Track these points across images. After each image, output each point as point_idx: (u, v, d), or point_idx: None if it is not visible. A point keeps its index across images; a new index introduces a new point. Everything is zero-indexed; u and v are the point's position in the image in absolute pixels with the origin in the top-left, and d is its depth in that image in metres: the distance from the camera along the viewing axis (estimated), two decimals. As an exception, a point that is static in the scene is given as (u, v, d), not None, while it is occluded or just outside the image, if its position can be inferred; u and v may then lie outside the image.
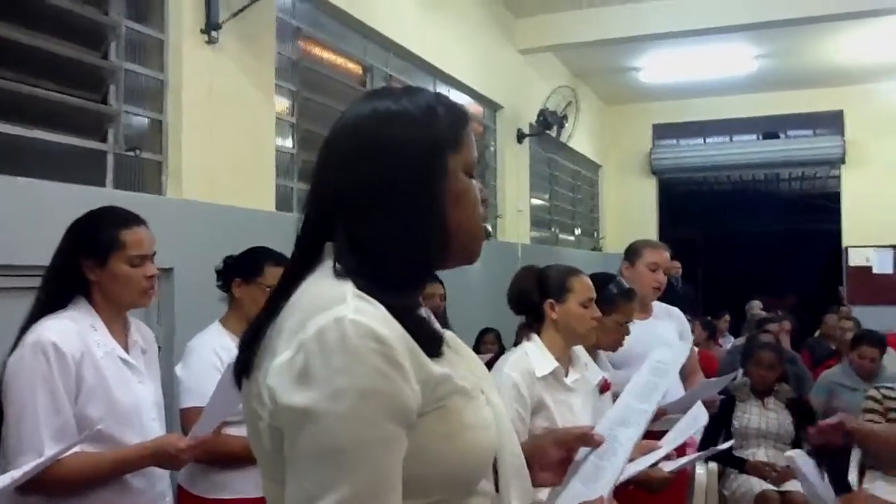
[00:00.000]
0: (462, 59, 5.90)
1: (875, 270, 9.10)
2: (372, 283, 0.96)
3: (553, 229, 8.35)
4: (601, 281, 2.61)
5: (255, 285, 2.41)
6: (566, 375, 2.28)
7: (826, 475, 2.13)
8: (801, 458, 2.29)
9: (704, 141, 10.05)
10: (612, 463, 1.36)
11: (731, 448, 4.04)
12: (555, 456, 1.33)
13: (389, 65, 5.16)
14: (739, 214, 11.57)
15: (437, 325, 1.04)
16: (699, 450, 3.80)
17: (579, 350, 2.42)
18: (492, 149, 6.74)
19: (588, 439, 1.34)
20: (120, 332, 1.99)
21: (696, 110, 9.68)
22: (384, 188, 1.00)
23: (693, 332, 4.67)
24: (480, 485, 1.03)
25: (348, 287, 0.95)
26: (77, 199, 2.28)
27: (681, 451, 2.74)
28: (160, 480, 2.02)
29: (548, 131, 7.18)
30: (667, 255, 3.41)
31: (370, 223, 0.99)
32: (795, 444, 4.37)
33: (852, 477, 2.74)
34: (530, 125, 7.16)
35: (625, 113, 10.08)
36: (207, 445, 2.02)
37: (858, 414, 4.37)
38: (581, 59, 8.04)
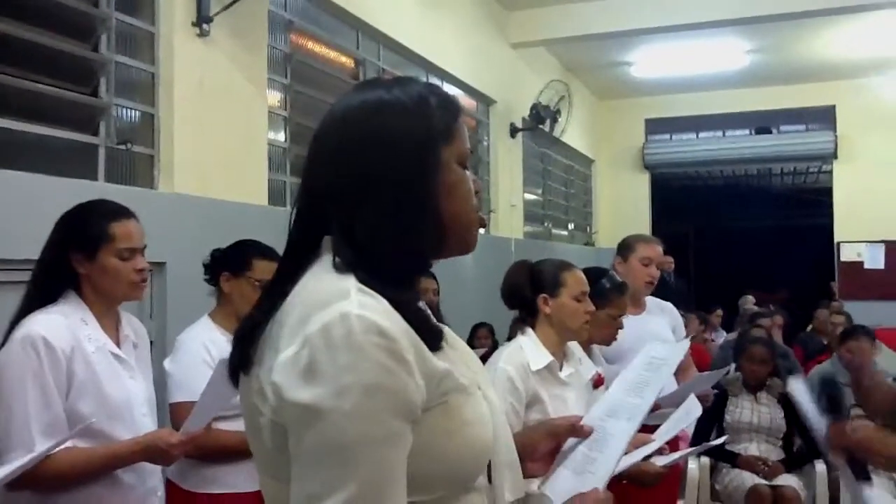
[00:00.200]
0: (454, 53, 5.89)
1: (867, 265, 9.12)
2: (372, 276, 0.95)
3: (546, 224, 8.35)
4: (594, 275, 2.61)
5: (244, 279, 2.40)
6: (560, 370, 2.28)
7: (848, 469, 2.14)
8: (797, 386, 2.30)
9: (697, 136, 10.06)
10: (606, 455, 1.37)
11: (723, 443, 4.05)
12: (545, 446, 1.36)
13: (382, 59, 5.14)
14: (732, 209, 11.60)
15: (434, 320, 1.03)
16: (692, 444, 3.82)
17: (573, 345, 2.42)
18: (485, 143, 6.73)
19: (577, 430, 1.36)
20: (111, 326, 1.98)
21: (689, 105, 9.69)
22: (377, 180, 0.98)
23: (688, 326, 4.68)
24: (477, 480, 1.03)
25: (351, 281, 0.94)
26: (68, 193, 2.26)
27: (673, 445, 2.75)
28: (151, 475, 2.01)
29: (541, 126, 7.18)
30: (659, 249, 3.42)
31: (363, 216, 0.98)
32: (787, 438, 4.39)
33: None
34: (523, 120, 7.15)
35: (617, 108, 10.09)
36: (199, 440, 2.01)
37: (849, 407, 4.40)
38: (573, 54, 8.03)
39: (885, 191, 8.92)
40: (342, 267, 0.96)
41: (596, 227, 10.12)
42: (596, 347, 2.84)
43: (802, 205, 10.92)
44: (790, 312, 7.26)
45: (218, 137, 3.41)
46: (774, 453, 4.36)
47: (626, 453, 1.63)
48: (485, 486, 1.05)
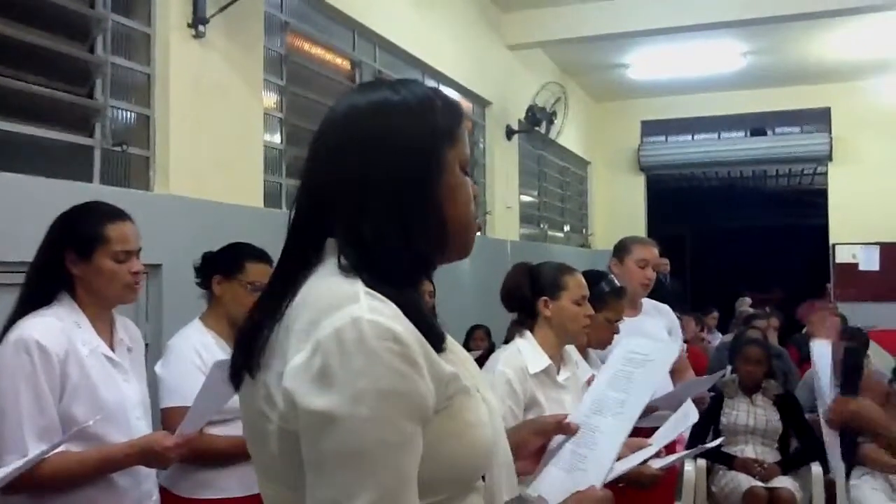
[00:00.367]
0: (450, 55, 5.89)
1: (861, 267, 9.15)
2: (378, 278, 0.94)
3: (542, 226, 8.35)
4: (592, 278, 2.61)
5: (236, 282, 2.36)
6: (558, 373, 2.28)
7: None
8: (820, 349, 2.29)
9: (692, 138, 10.07)
10: (598, 452, 1.38)
11: (719, 445, 4.06)
12: (533, 445, 1.37)
13: (378, 60, 5.14)
14: (727, 211, 11.63)
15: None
16: (688, 447, 3.82)
17: (570, 348, 2.42)
18: (481, 145, 6.73)
19: (564, 427, 1.39)
20: (105, 329, 1.97)
21: (685, 107, 9.71)
22: (383, 181, 0.98)
23: (684, 328, 4.69)
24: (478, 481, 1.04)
25: (358, 285, 0.93)
26: (64, 195, 2.25)
27: (670, 448, 2.75)
28: (146, 479, 2.00)
29: (537, 128, 7.18)
30: (656, 251, 3.42)
31: (369, 217, 0.97)
32: (783, 440, 4.40)
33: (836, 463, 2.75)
34: (519, 121, 7.15)
35: (613, 109, 10.09)
36: (193, 444, 2.00)
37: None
38: (569, 56, 8.03)
39: (880, 192, 8.94)
40: (348, 269, 0.96)
41: (592, 229, 10.12)
42: (592, 351, 2.84)
43: (797, 206, 10.94)
44: (785, 314, 7.27)
45: (214, 139, 3.40)
46: (770, 455, 4.36)
47: (621, 457, 1.64)
48: (482, 486, 1.05)
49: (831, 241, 9.40)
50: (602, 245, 9.34)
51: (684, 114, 9.82)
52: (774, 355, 5.09)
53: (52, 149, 2.86)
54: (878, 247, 9.09)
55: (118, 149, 3.05)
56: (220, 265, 2.39)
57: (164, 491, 2.27)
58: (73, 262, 1.89)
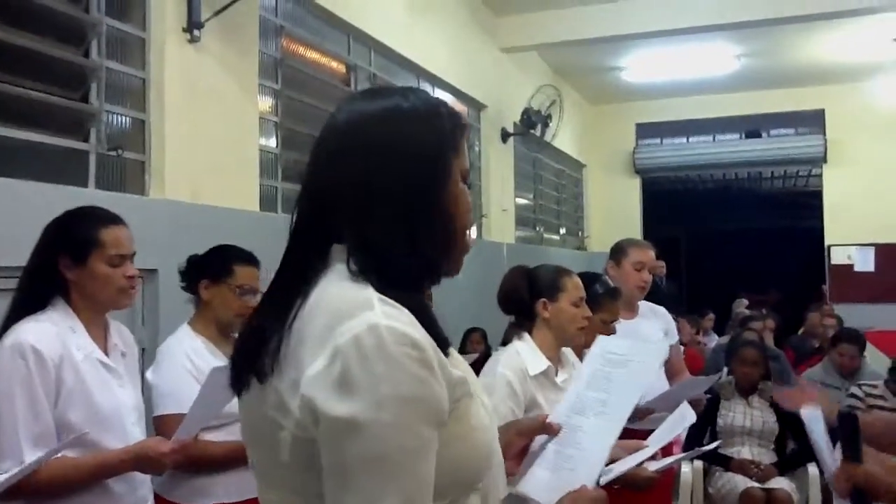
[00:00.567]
0: (445, 58, 5.89)
1: (857, 268, 9.17)
2: (389, 284, 0.95)
3: (538, 229, 8.36)
4: (587, 280, 2.62)
5: (225, 286, 2.31)
6: (556, 375, 2.28)
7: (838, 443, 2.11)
8: (812, 416, 2.28)
9: (687, 140, 10.10)
10: (585, 452, 1.40)
11: (716, 447, 4.06)
12: (517, 445, 1.39)
13: (373, 64, 5.14)
14: (723, 213, 11.65)
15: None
16: (685, 448, 3.82)
17: (567, 350, 2.43)
18: (476, 148, 6.73)
19: (547, 427, 1.41)
20: (99, 334, 1.96)
21: (679, 109, 9.73)
22: (394, 187, 0.98)
23: (680, 330, 4.69)
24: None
25: (370, 291, 0.94)
26: (59, 200, 2.25)
27: (667, 450, 2.75)
28: (141, 485, 1.99)
29: (532, 131, 7.19)
30: (652, 254, 3.43)
31: (380, 223, 0.97)
32: (779, 441, 4.40)
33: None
34: (514, 124, 7.16)
35: (608, 112, 10.12)
36: (189, 450, 1.99)
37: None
38: (564, 59, 8.05)
39: (875, 194, 8.98)
40: (358, 275, 0.96)
41: (587, 232, 10.14)
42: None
43: (793, 208, 10.96)
44: (781, 315, 7.28)
45: (209, 143, 3.40)
46: (767, 456, 4.37)
47: (615, 460, 1.65)
48: (480, 487, 1.06)
49: (826, 242, 9.43)
50: (598, 247, 9.35)
51: (679, 116, 9.85)
52: (771, 357, 5.10)
53: (47, 153, 2.86)
54: (873, 248, 9.12)
55: (113, 153, 3.05)
56: (207, 269, 2.34)
57: (158, 498, 2.25)
58: (67, 266, 1.89)
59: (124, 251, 1.94)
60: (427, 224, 0.99)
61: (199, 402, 1.96)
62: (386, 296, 0.93)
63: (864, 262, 9.13)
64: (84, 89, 3.02)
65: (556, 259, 7.57)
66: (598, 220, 10.19)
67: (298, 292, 0.97)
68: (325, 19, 4.55)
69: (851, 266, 9.20)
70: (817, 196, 9.67)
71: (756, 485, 4.19)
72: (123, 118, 3.18)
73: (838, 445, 2.09)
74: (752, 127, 9.75)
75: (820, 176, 9.64)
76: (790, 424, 4.43)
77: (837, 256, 9.29)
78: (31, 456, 1.72)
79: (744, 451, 4.37)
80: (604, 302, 2.76)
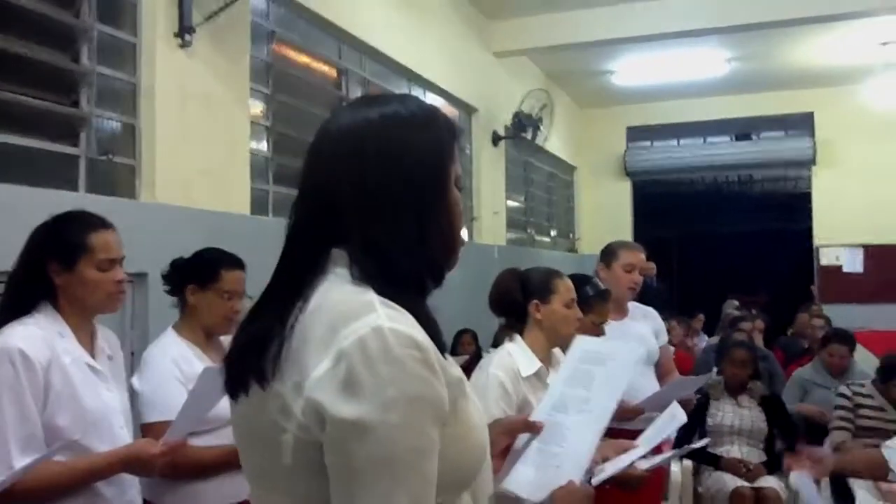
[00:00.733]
0: (437, 62, 5.91)
1: (845, 269, 9.22)
2: (392, 288, 0.96)
3: (529, 231, 8.38)
4: (578, 282, 2.63)
5: (212, 291, 2.28)
6: (547, 376, 2.30)
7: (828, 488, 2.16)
8: (800, 480, 2.32)
9: (678, 143, 10.13)
10: (570, 448, 1.43)
11: (705, 446, 4.08)
12: (501, 444, 1.40)
13: (364, 68, 5.15)
14: (713, 215, 11.66)
15: None
16: (674, 448, 3.84)
17: (557, 352, 2.44)
18: (467, 152, 6.75)
19: (530, 426, 1.43)
20: (87, 338, 1.95)
21: (670, 113, 9.77)
22: (398, 192, 0.99)
23: (671, 331, 4.71)
24: None
25: (371, 294, 0.94)
26: (49, 204, 2.24)
27: (657, 448, 2.77)
28: (130, 487, 1.98)
29: (523, 134, 7.21)
30: (642, 256, 3.45)
31: (384, 228, 0.98)
32: (768, 440, 4.43)
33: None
34: (505, 128, 7.18)
35: (599, 116, 10.15)
36: (179, 452, 1.98)
37: (830, 410, 4.45)
38: (555, 63, 8.08)
39: (863, 196, 9.03)
40: (361, 279, 0.97)
41: (578, 234, 10.17)
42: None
43: (782, 210, 10.99)
44: (771, 316, 7.31)
45: (200, 147, 3.40)
46: (756, 456, 4.39)
47: (606, 459, 1.67)
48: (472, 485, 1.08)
49: (815, 243, 9.48)
50: (589, 249, 9.37)
51: (669, 119, 9.88)
52: (760, 357, 5.13)
53: (37, 158, 2.86)
54: (861, 249, 9.18)
55: (104, 158, 3.05)
56: (193, 274, 2.31)
57: (148, 504, 2.25)
58: (55, 271, 1.88)
59: (113, 255, 1.93)
60: (433, 228, 1.01)
61: (189, 404, 1.96)
62: (389, 299, 0.94)
63: (853, 264, 9.19)
64: (75, 94, 3.02)
65: (547, 261, 7.58)
66: (589, 223, 10.22)
67: (298, 295, 0.98)
68: (317, 24, 4.56)
69: (840, 267, 9.25)
70: (807, 198, 9.72)
71: (745, 484, 4.22)
72: (114, 123, 3.19)
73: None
74: (742, 129, 9.80)
75: (809, 178, 9.69)
76: (779, 424, 4.46)
77: (826, 258, 9.35)
78: (20, 461, 1.71)
79: (733, 451, 4.39)
80: (594, 304, 2.79)
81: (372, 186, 0.99)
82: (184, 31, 3.27)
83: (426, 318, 0.96)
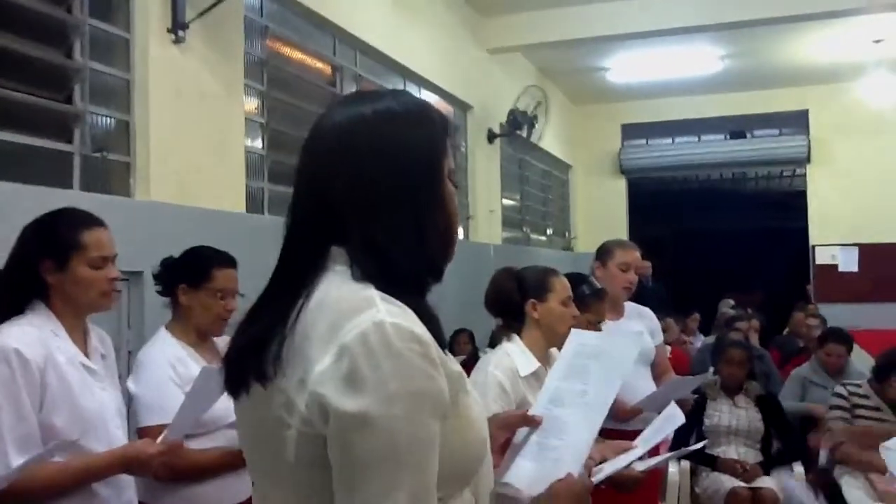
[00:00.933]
0: (431, 59, 5.89)
1: (841, 268, 9.23)
2: (392, 285, 0.96)
3: (524, 229, 8.37)
4: (574, 281, 2.63)
5: (204, 291, 2.24)
6: (546, 375, 2.29)
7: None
8: (798, 489, 2.33)
9: (673, 141, 10.14)
10: (569, 441, 1.44)
11: (702, 447, 4.08)
12: (500, 439, 1.43)
13: (359, 64, 5.13)
14: (708, 213, 11.68)
15: None
16: (672, 448, 3.83)
17: (554, 351, 2.43)
18: (462, 149, 6.74)
19: (528, 420, 1.46)
20: (80, 338, 1.94)
21: (664, 110, 9.78)
22: (396, 189, 0.99)
23: (666, 330, 4.71)
24: None
25: (371, 290, 0.95)
26: (43, 202, 2.22)
27: (653, 450, 2.76)
28: (127, 488, 1.98)
29: (518, 131, 7.19)
30: (637, 255, 3.44)
31: (388, 223, 0.99)
32: (765, 441, 4.42)
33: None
34: (500, 125, 7.16)
35: (593, 113, 10.14)
36: (176, 452, 1.97)
37: (826, 410, 4.45)
38: (549, 60, 8.07)
39: (858, 194, 9.05)
40: (361, 276, 0.97)
41: (574, 232, 10.16)
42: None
43: (777, 208, 11.01)
44: (766, 315, 7.32)
45: (194, 144, 3.38)
46: (752, 456, 4.39)
47: (605, 460, 1.66)
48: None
49: (811, 242, 9.50)
50: (584, 248, 9.37)
51: (664, 117, 9.89)
52: (756, 357, 5.13)
53: (30, 155, 2.84)
54: (857, 248, 9.19)
55: (98, 155, 3.03)
56: (184, 273, 2.27)
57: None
58: (48, 270, 1.86)
59: (106, 253, 1.92)
60: (430, 224, 1.01)
61: (187, 404, 1.95)
62: (389, 295, 0.95)
63: (849, 262, 9.20)
64: (68, 91, 3.00)
65: (542, 260, 7.59)
66: (585, 221, 10.22)
67: (299, 293, 0.98)
68: (311, 20, 4.54)
69: (836, 266, 9.26)
70: (802, 196, 9.74)
71: (742, 484, 4.21)
72: (108, 119, 3.16)
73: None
74: (737, 127, 9.81)
75: (804, 176, 9.70)
76: (775, 424, 4.46)
77: (822, 256, 9.36)
78: (16, 461, 1.70)
79: (730, 451, 4.39)
80: (590, 303, 2.78)
81: (366, 183, 0.99)
82: (177, 26, 3.25)
83: (427, 315, 0.97)
